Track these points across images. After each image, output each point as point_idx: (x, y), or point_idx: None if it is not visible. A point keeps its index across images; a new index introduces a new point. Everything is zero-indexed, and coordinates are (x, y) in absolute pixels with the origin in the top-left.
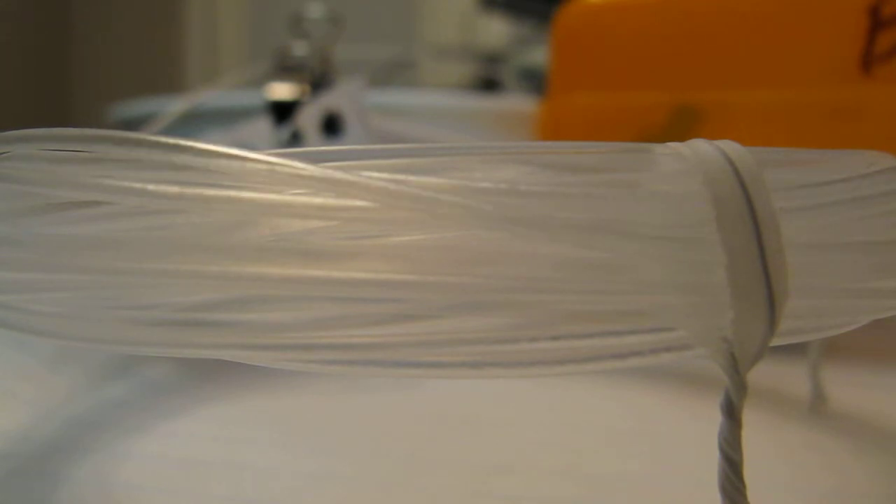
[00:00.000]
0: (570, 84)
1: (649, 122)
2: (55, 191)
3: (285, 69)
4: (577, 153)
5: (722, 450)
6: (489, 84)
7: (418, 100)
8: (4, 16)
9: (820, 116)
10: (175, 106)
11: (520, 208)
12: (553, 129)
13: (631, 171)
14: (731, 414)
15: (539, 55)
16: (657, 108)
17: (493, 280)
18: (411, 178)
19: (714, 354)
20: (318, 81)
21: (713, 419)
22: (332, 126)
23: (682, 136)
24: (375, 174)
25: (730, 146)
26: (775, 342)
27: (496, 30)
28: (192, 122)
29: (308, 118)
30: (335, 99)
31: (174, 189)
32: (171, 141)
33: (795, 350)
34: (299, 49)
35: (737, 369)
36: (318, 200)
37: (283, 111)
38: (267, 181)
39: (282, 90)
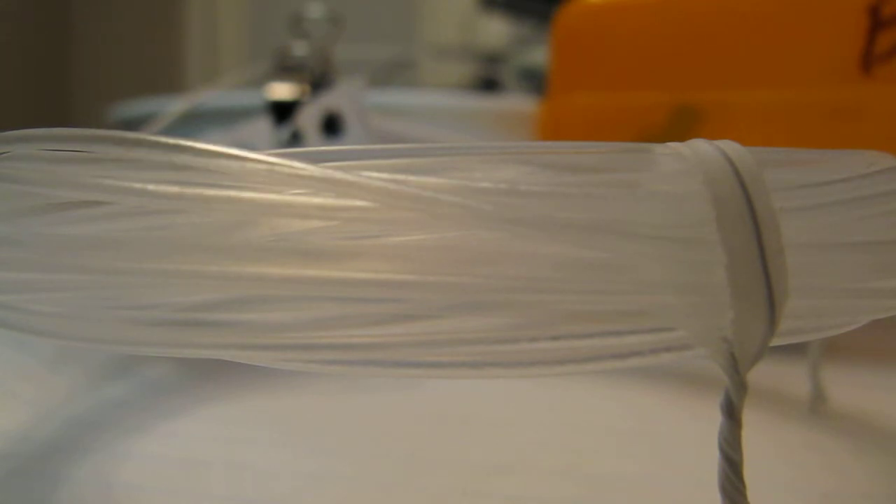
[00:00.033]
0: (570, 84)
1: (649, 122)
2: (55, 191)
3: (285, 69)
4: (577, 153)
5: (722, 450)
6: (489, 84)
7: (418, 100)
8: (4, 16)
9: (820, 116)
10: (175, 106)
11: (520, 208)
12: (553, 129)
13: (631, 171)
14: (731, 414)
15: (539, 55)
16: (657, 108)
17: (493, 280)
18: (411, 178)
19: (714, 354)
20: (318, 81)
21: (713, 419)
22: (332, 126)
23: (682, 136)
24: (375, 174)
25: (730, 146)
26: (775, 342)
27: (496, 30)
28: (192, 122)
29: (308, 118)
30: (335, 99)
31: (174, 189)
32: (171, 141)
33: (795, 350)
34: (299, 49)
35: (737, 369)
36: (317, 200)
37: (283, 111)
38: (267, 181)
39: (282, 90)
